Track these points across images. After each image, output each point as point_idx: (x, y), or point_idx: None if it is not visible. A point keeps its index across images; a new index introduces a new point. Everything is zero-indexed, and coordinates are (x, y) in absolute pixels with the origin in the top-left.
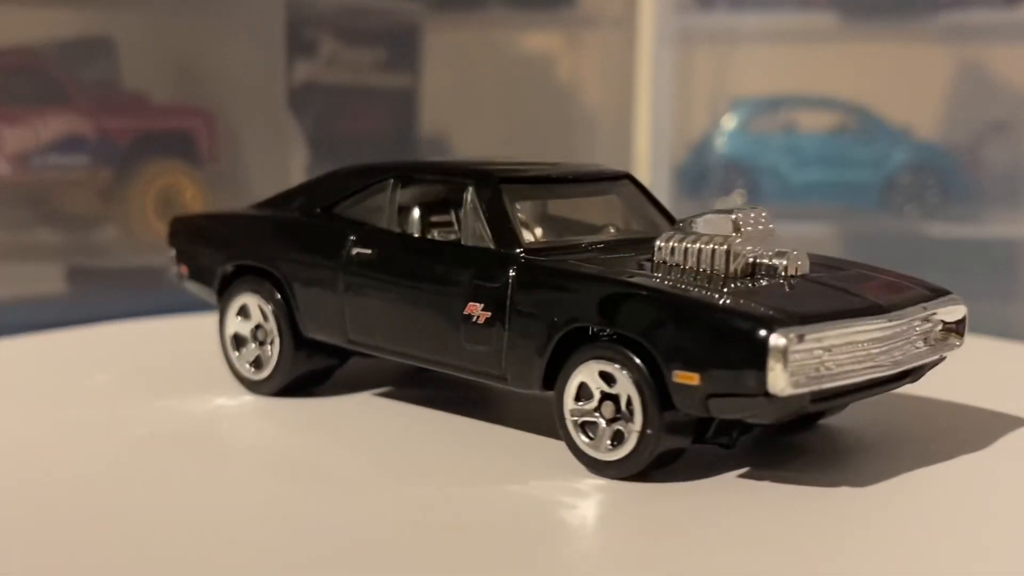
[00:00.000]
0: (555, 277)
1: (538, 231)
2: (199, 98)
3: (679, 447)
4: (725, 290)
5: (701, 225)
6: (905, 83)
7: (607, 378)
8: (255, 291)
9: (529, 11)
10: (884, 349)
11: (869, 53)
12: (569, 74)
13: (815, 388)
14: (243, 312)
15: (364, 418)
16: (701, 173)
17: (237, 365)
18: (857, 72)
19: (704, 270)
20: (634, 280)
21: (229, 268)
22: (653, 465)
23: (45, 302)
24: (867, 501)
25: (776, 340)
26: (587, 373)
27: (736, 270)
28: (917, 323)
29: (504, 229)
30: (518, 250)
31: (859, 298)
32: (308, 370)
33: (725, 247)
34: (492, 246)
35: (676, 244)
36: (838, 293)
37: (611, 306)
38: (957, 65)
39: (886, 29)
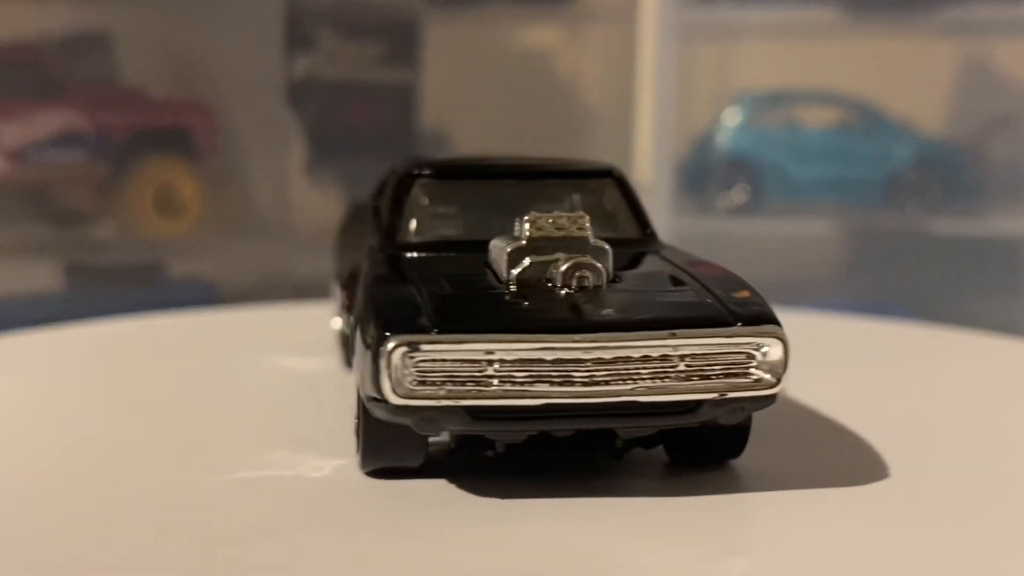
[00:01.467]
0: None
1: (437, 227)
2: (197, 93)
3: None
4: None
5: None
6: (908, 78)
7: None
8: None
9: (530, 6)
10: (585, 374)
11: (872, 48)
12: (570, 69)
13: (442, 403)
14: None
15: None
16: (703, 169)
17: None
18: (860, 67)
19: (492, 275)
20: (377, 281)
21: None
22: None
23: (42, 298)
24: (866, 500)
25: (386, 345)
26: None
27: (514, 277)
28: (650, 352)
29: (390, 224)
30: (390, 246)
31: (586, 312)
32: None
33: (508, 250)
34: (378, 240)
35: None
36: (574, 304)
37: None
38: (961, 60)
39: (889, 24)
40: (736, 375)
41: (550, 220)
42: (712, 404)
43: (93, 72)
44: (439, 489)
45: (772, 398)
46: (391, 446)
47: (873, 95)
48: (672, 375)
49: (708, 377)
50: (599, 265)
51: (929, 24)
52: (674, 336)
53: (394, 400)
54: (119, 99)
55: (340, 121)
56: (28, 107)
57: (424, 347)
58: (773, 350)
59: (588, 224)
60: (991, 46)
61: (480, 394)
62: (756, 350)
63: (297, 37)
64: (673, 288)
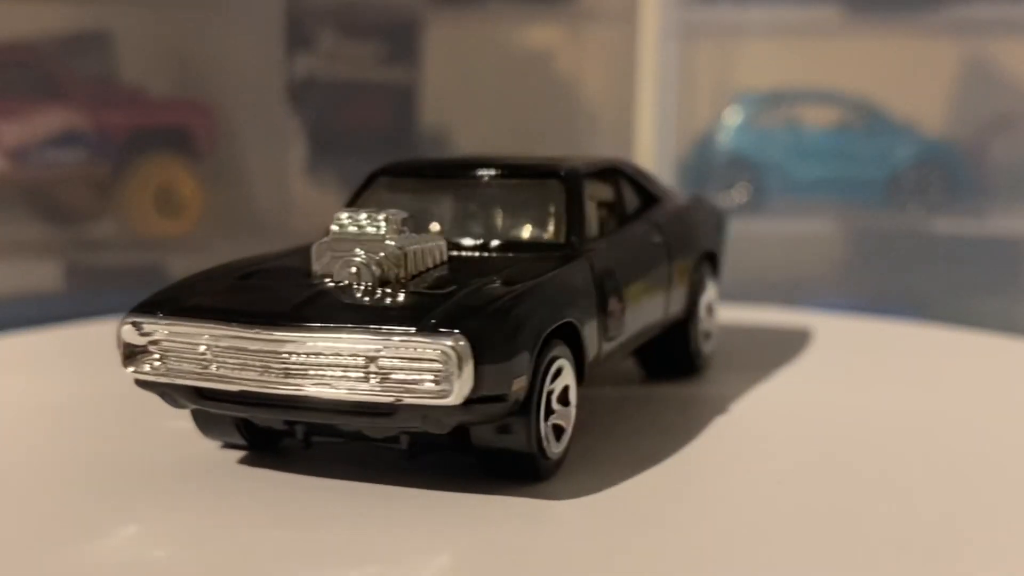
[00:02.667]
0: None
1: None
2: (197, 93)
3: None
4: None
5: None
6: (910, 78)
7: None
8: None
9: (530, 5)
10: (281, 366)
11: (873, 48)
12: (571, 69)
13: (164, 380)
14: None
15: None
16: (704, 168)
17: None
18: (861, 67)
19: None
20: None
21: None
22: None
23: (42, 298)
24: (865, 500)
25: (121, 323)
26: None
27: (316, 271)
28: (338, 349)
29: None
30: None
31: (303, 307)
32: None
33: (314, 247)
34: None
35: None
36: (305, 299)
37: None
38: (962, 60)
39: (891, 24)
40: (415, 382)
41: (350, 219)
42: (408, 409)
43: (93, 71)
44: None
45: (451, 410)
46: (211, 424)
47: (874, 94)
48: (360, 375)
49: (391, 381)
50: (368, 264)
51: (930, 24)
52: (343, 332)
53: (133, 374)
54: (119, 98)
55: (340, 120)
56: (28, 106)
57: (146, 327)
58: (450, 361)
59: (385, 223)
60: (992, 46)
61: (200, 376)
62: (434, 359)
63: (297, 37)
64: (430, 291)
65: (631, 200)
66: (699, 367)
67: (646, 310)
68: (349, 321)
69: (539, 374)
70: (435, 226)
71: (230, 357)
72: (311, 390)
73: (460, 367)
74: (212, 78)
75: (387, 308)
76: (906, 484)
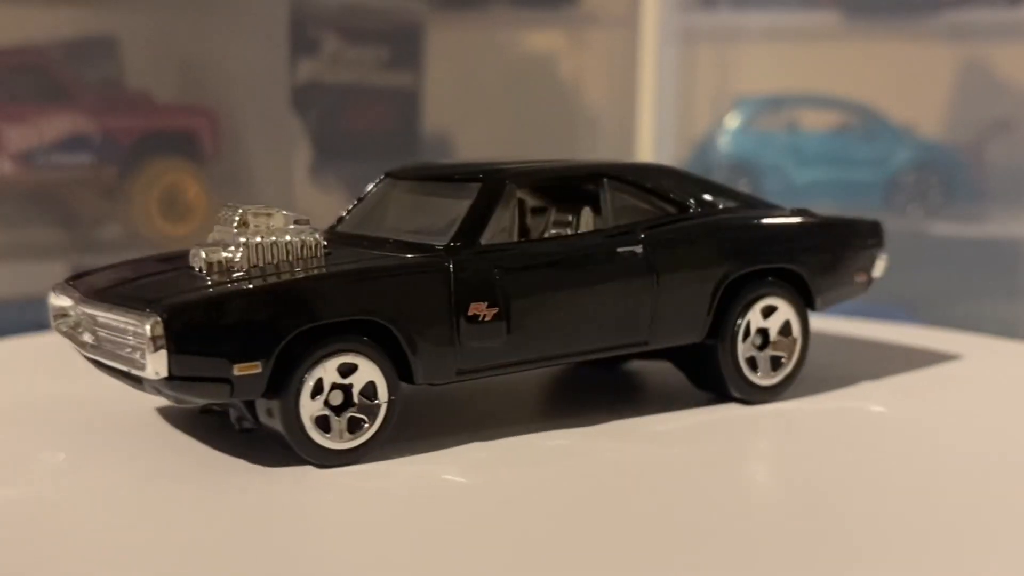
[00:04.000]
0: None
1: (348, 221)
2: (202, 97)
3: None
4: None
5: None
6: (908, 82)
7: None
8: None
9: (532, 10)
10: (88, 335)
11: (872, 52)
12: (572, 73)
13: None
14: None
15: None
16: (704, 172)
17: None
18: (860, 71)
19: None
20: None
21: None
22: None
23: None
24: (864, 503)
25: None
26: None
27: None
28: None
29: None
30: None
31: (107, 286)
32: None
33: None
34: None
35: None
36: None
37: None
38: (960, 64)
39: (889, 28)
40: (134, 356)
41: (221, 216)
42: (145, 381)
43: (100, 76)
44: None
45: (167, 383)
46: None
47: (873, 99)
48: (123, 347)
49: (127, 354)
50: (205, 255)
51: (929, 28)
52: (104, 308)
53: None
54: (125, 103)
55: (344, 124)
56: (35, 111)
57: (61, 294)
58: (144, 339)
59: (237, 220)
60: (990, 50)
61: (79, 343)
62: (139, 335)
63: (302, 42)
64: (209, 279)
65: (625, 208)
66: (742, 397)
67: (590, 324)
68: (112, 299)
69: (304, 366)
70: (371, 222)
71: (87, 328)
72: (105, 359)
73: (154, 346)
74: (217, 83)
75: (149, 288)
76: (906, 485)
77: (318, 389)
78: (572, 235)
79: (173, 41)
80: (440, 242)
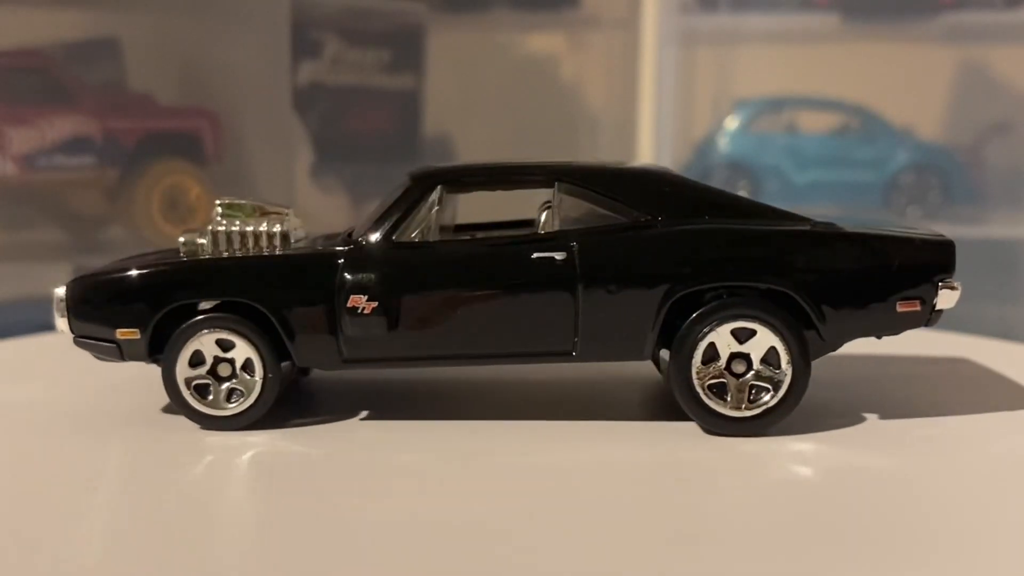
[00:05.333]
0: None
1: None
2: (204, 99)
3: None
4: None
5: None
6: (907, 84)
7: None
8: None
9: (532, 12)
10: None
11: (871, 54)
12: (572, 75)
13: None
14: None
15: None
16: (704, 173)
17: None
18: (859, 73)
19: None
20: None
21: None
22: None
23: (51, 302)
24: (866, 502)
25: None
26: None
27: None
28: None
29: None
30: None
31: None
32: None
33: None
34: None
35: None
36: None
37: None
38: (958, 66)
39: (888, 30)
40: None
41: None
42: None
43: (102, 78)
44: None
45: (77, 341)
46: None
47: (872, 100)
48: None
49: None
50: (184, 240)
51: (927, 30)
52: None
53: None
54: (128, 104)
55: (345, 126)
56: (38, 113)
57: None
58: (57, 306)
59: (217, 212)
60: (989, 52)
61: None
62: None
63: (303, 44)
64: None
65: (573, 213)
66: (704, 426)
67: (499, 328)
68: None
69: (182, 338)
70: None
71: None
72: None
73: (59, 310)
74: (219, 84)
75: (110, 266)
76: (902, 484)
77: (199, 359)
78: (490, 237)
79: (175, 43)
80: (352, 237)
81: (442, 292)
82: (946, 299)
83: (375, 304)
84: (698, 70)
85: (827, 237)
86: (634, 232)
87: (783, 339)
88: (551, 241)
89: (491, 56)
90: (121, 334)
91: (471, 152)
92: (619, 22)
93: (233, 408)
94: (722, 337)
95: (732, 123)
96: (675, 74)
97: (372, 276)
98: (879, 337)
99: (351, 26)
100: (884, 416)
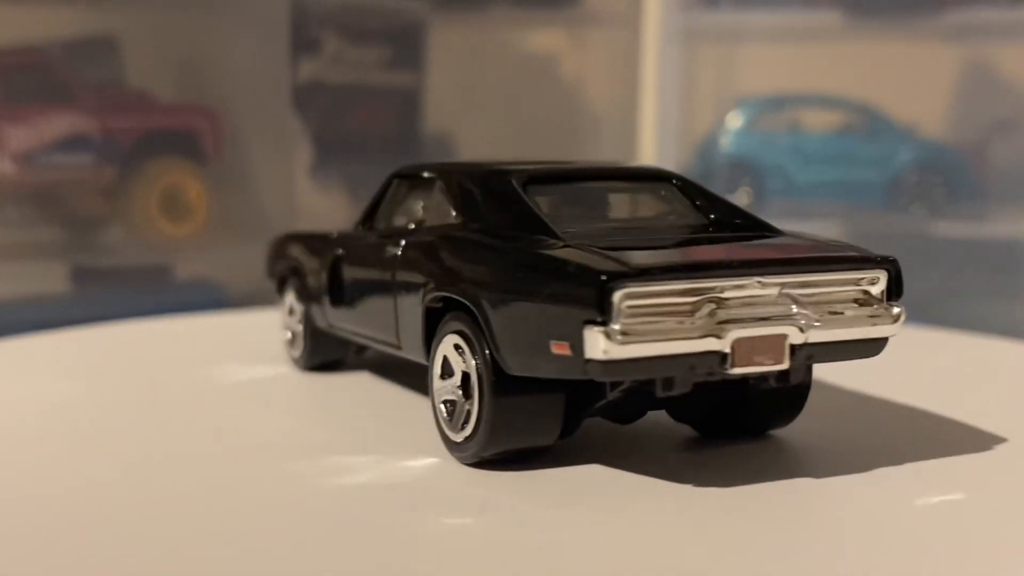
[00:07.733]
0: None
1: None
2: (203, 97)
3: None
4: None
5: None
6: (911, 82)
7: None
8: None
9: (533, 10)
10: None
11: (874, 52)
12: (574, 73)
13: None
14: None
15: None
16: (706, 172)
17: None
18: (862, 71)
19: None
20: None
21: None
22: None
23: (49, 301)
24: (868, 501)
25: None
26: None
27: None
28: None
29: None
30: None
31: None
32: None
33: None
34: None
35: None
36: None
37: None
38: (963, 64)
39: (891, 28)
40: None
41: None
42: None
43: (100, 76)
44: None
45: None
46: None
47: (876, 98)
48: None
49: None
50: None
51: (931, 28)
52: None
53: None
54: (126, 103)
55: (345, 124)
56: (36, 111)
57: None
58: None
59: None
60: (993, 50)
61: None
62: None
63: (302, 42)
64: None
65: (438, 210)
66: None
67: (368, 317)
68: None
69: None
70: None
71: None
72: None
73: None
74: (218, 83)
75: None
76: (902, 485)
77: None
78: (384, 229)
79: (174, 41)
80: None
81: (349, 277)
82: (601, 346)
83: (331, 291)
84: (700, 68)
85: (508, 249)
86: (434, 235)
87: (481, 362)
88: (397, 237)
89: (492, 54)
90: None
91: (472, 150)
92: (621, 19)
93: None
94: (452, 352)
95: (734, 121)
96: (677, 72)
97: (339, 267)
98: None
99: (351, 23)
100: (880, 409)
